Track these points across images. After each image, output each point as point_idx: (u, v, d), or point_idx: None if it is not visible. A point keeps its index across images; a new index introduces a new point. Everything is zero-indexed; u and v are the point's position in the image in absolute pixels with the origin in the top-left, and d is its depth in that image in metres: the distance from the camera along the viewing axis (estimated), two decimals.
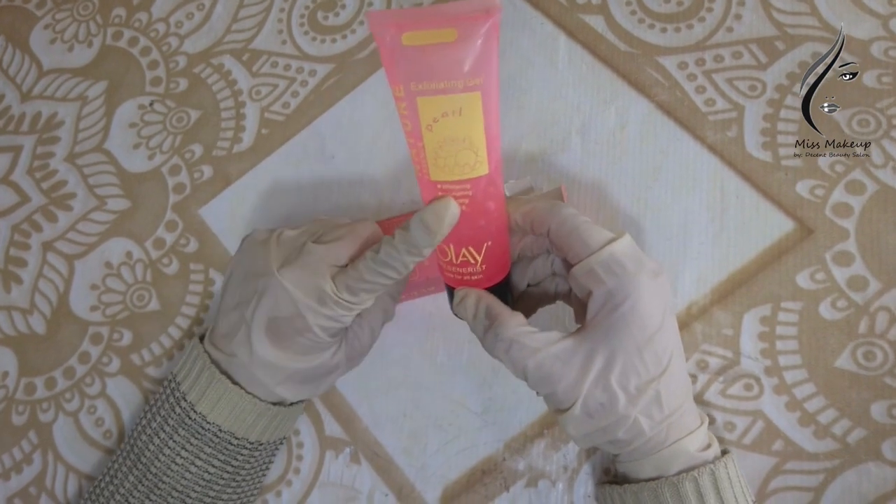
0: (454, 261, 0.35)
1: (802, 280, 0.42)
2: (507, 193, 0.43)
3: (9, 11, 0.61)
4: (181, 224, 0.51)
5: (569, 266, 0.36)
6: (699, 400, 0.41)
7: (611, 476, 0.40)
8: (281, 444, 0.44)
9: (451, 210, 0.32)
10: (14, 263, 0.53)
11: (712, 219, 0.44)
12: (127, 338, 0.50)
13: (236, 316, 0.38)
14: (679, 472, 0.33)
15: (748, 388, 0.41)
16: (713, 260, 0.43)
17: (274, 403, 0.40)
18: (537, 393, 0.35)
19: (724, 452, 0.36)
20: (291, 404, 0.41)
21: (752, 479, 0.40)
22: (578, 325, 0.35)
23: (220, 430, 0.39)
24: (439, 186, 0.32)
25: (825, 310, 0.41)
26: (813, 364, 0.41)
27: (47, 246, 0.53)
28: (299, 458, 0.45)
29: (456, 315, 0.37)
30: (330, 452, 0.45)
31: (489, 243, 0.34)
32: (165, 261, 0.51)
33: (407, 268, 0.35)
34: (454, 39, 0.29)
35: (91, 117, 0.56)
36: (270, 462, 0.44)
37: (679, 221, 0.44)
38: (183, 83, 0.55)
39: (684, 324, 0.43)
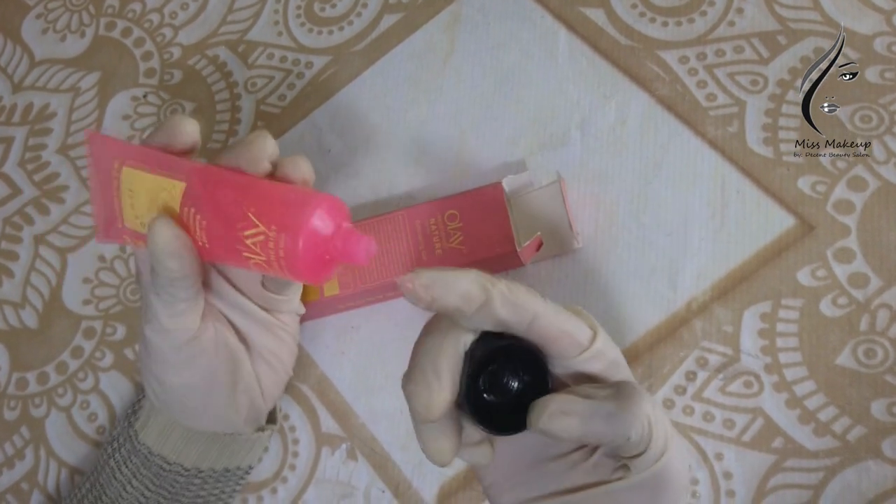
0: (265, 249, 0.32)
1: (803, 277, 0.42)
2: (506, 189, 0.43)
3: (0, 1, 0.60)
4: None
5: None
6: (699, 397, 0.41)
7: None
8: (241, 477, 0.42)
9: (157, 229, 0.32)
10: (5, 257, 0.52)
11: (713, 214, 0.44)
12: (120, 332, 0.49)
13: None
14: None
15: (748, 385, 0.41)
16: (713, 256, 0.43)
17: None
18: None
19: None
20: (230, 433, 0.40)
21: (752, 477, 0.40)
22: None
23: (150, 453, 0.39)
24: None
25: (826, 307, 0.41)
26: (813, 361, 0.40)
27: (39, 239, 0.52)
28: (295, 454, 0.45)
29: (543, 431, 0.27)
30: (326, 449, 0.45)
31: (252, 209, 0.32)
32: None
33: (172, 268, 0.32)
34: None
35: (84, 108, 0.55)
36: (224, 494, 0.42)
37: (679, 217, 0.44)
38: (177, 75, 0.55)
39: (684, 320, 0.42)
